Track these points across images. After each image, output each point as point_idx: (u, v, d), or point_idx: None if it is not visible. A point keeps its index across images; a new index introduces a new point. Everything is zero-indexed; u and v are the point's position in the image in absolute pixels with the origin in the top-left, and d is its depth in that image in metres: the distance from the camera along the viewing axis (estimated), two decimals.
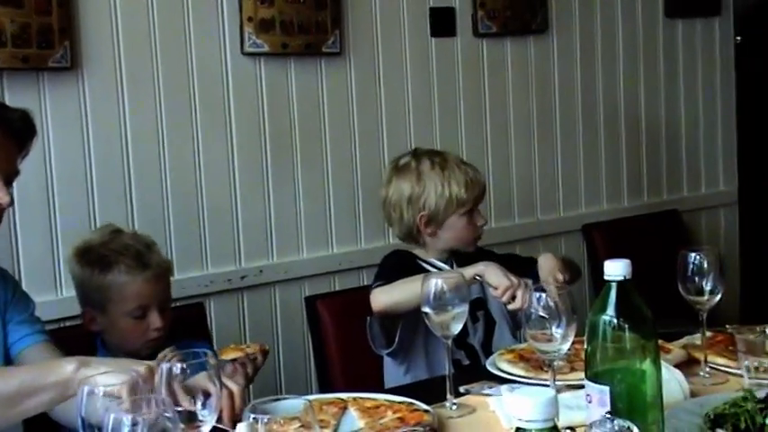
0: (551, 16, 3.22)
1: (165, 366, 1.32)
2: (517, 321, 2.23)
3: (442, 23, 3.01)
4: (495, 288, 2.05)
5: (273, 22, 2.68)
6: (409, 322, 2.17)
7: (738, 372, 1.64)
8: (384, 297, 2.12)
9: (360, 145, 2.90)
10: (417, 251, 2.33)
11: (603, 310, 1.31)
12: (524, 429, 0.90)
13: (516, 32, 3.15)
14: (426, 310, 1.65)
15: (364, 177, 2.91)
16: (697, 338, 1.83)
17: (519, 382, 1.73)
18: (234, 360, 1.78)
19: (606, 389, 1.26)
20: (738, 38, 3.91)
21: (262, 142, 2.73)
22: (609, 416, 1.10)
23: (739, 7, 4.19)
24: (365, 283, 2.51)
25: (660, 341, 1.82)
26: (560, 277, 2.14)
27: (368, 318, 2.16)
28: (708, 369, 1.76)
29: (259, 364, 1.82)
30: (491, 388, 1.73)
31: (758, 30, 4.88)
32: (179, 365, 1.32)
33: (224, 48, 2.65)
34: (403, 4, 2.95)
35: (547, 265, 2.18)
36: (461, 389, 1.75)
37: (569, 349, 1.65)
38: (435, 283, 1.65)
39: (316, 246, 2.84)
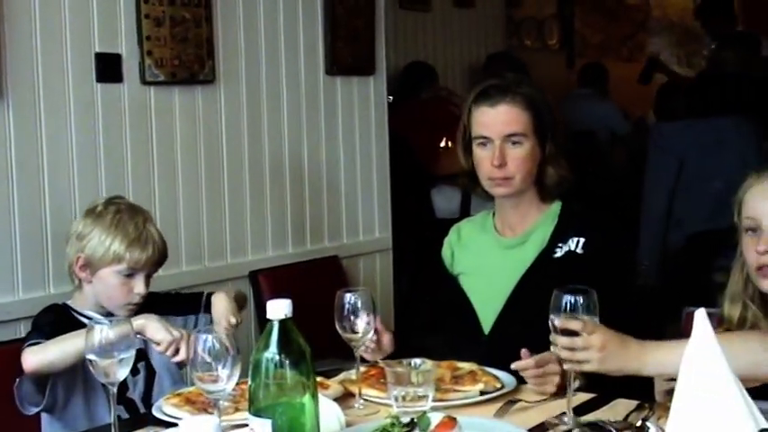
0: (219, 68, 3.31)
1: None
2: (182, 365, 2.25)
3: (108, 69, 2.98)
4: (158, 344, 2.06)
5: None
6: (66, 376, 2.12)
7: (389, 402, 1.79)
8: (36, 357, 2.06)
9: (18, 191, 2.77)
10: (75, 301, 2.28)
11: (266, 347, 1.39)
12: None
13: (184, 81, 3.19)
14: (91, 357, 1.63)
15: (23, 224, 2.77)
16: (352, 374, 1.97)
17: None
18: None
19: (269, 422, 1.33)
20: (390, 97, 4.26)
21: None
22: None
23: (391, 68, 4.56)
24: (23, 336, 2.39)
25: (319, 378, 1.94)
26: (233, 320, 2.19)
27: (17, 379, 2.09)
28: (362, 401, 1.90)
29: None
30: None
31: (406, 90, 5.34)
32: None
33: None
34: (66, 48, 2.88)
35: (221, 307, 2.23)
36: None
37: (234, 390, 1.71)
38: (101, 330, 1.64)
39: None
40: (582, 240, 2.20)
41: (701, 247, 4.35)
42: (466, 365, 2.04)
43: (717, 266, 4.13)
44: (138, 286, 2.22)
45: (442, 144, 5.45)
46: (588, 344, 1.68)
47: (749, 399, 1.29)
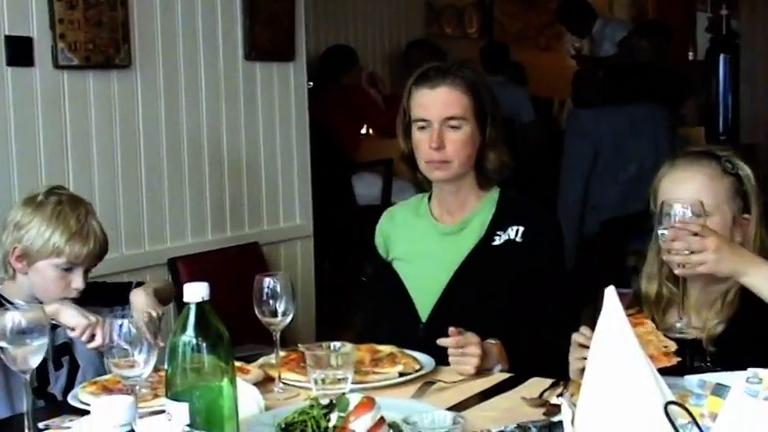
0: (134, 52, 3.25)
1: None
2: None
3: (19, 53, 2.91)
4: (73, 329, 2.02)
5: None
6: None
7: (308, 385, 1.80)
8: None
9: None
10: (5, 289, 2.22)
11: (183, 331, 1.38)
12: None
13: (99, 66, 3.13)
14: (2, 344, 1.59)
15: None
16: (272, 358, 1.97)
17: None
18: None
19: (185, 405, 1.33)
20: (311, 83, 4.24)
21: None
22: (187, 428, 1.17)
23: (311, 54, 4.55)
24: None
25: (240, 363, 1.94)
26: (153, 314, 2.12)
27: None
28: (281, 385, 1.89)
29: None
30: (72, 421, 1.71)
31: (326, 75, 5.34)
32: None
33: None
34: None
35: (139, 303, 2.17)
36: (40, 425, 1.71)
37: (152, 376, 1.70)
38: (13, 317, 1.60)
39: None
40: (521, 229, 2.19)
41: (614, 231, 4.46)
42: (386, 348, 2.05)
43: (630, 250, 4.26)
44: (76, 281, 2.15)
45: (363, 131, 5.48)
46: (704, 246, 1.69)
47: (657, 374, 1.33)
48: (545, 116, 6.63)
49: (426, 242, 2.29)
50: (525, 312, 2.14)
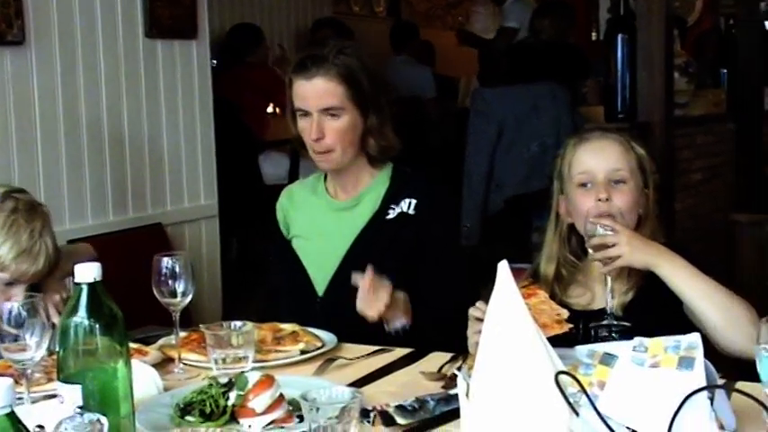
0: (29, 28, 3.15)
1: None
2: None
3: None
4: None
5: None
6: None
7: (209, 365, 1.79)
8: None
9: None
10: None
11: (75, 312, 1.36)
12: None
13: None
14: None
15: None
16: (173, 339, 1.95)
17: None
18: None
19: (78, 387, 1.30)
20: (215, 61, 4.18)
21: None
22: (79, 410, 1.15)
23: (216, 31, 4.48)
24: None
25: (138, 345, 1.92)
26: (56, 297, 2.05)
27: None
28: (181, 366, 1.88)
29: None
30: None
31: (231, 54, 5.28)
32: None
33: None
34: None
35: (50, 288, 2.08)
36: None
37: (46, 360, 1.67)
38: None
39: None
40: (414, 202, 2.23)
41: (518, 208, 4.54)
42: (288, 326, 2.06)
43: (533, 227, 4.35)
44: (17, 297, 1.97)
45: (270, 110, 5.43)
46: (617, 240, 1.83)
47: (548, 345, 1.37)
48: (453, 95, 6.69)
49: (322, 219, 2.32)
50: (420, 285, 2.17)
